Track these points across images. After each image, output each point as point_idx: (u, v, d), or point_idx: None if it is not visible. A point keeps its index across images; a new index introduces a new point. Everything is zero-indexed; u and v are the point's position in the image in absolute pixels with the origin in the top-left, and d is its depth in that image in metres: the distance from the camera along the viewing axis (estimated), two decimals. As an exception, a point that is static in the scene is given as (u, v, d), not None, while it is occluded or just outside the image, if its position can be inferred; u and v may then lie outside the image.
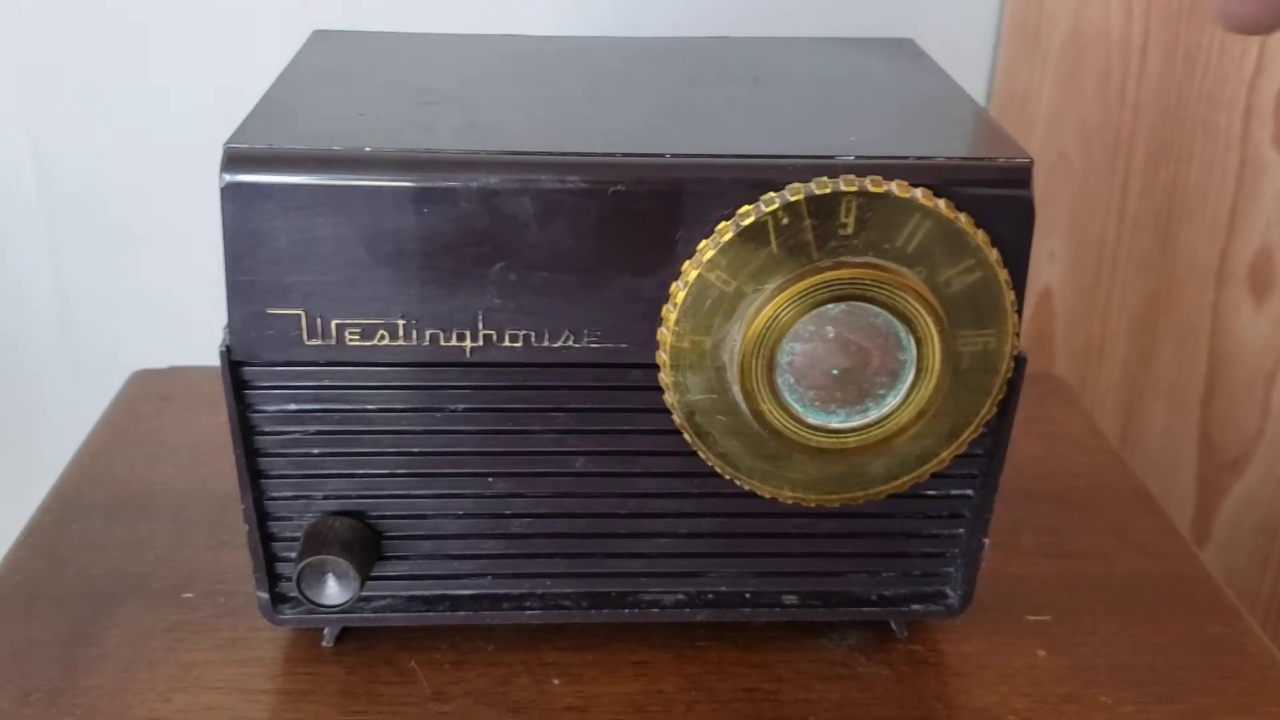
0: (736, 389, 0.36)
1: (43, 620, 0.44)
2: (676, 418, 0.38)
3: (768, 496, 0.39)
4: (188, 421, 0.57)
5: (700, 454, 0.39)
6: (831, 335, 0.36)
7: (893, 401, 0.37)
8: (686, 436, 0.38)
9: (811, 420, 0.37)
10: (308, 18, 0.50)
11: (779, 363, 0.36)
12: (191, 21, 0.67)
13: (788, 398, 0.36)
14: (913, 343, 0.36)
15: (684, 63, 0.46)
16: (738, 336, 0.36)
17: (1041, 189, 0.71)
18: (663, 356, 0.37)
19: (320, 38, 0.48)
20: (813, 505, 0.40)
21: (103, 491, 0.52)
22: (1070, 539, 0.51)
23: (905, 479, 0.40)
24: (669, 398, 0.38)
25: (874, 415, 0.37)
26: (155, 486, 0.53)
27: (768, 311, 0.35)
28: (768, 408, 0.36)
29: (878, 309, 0.36)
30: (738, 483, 0.39)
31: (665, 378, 0.37)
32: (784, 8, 0.68)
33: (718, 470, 0.39)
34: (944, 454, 0.39)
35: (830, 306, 0.35)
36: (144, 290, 0.74)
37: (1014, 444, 0.58)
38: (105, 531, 0.50)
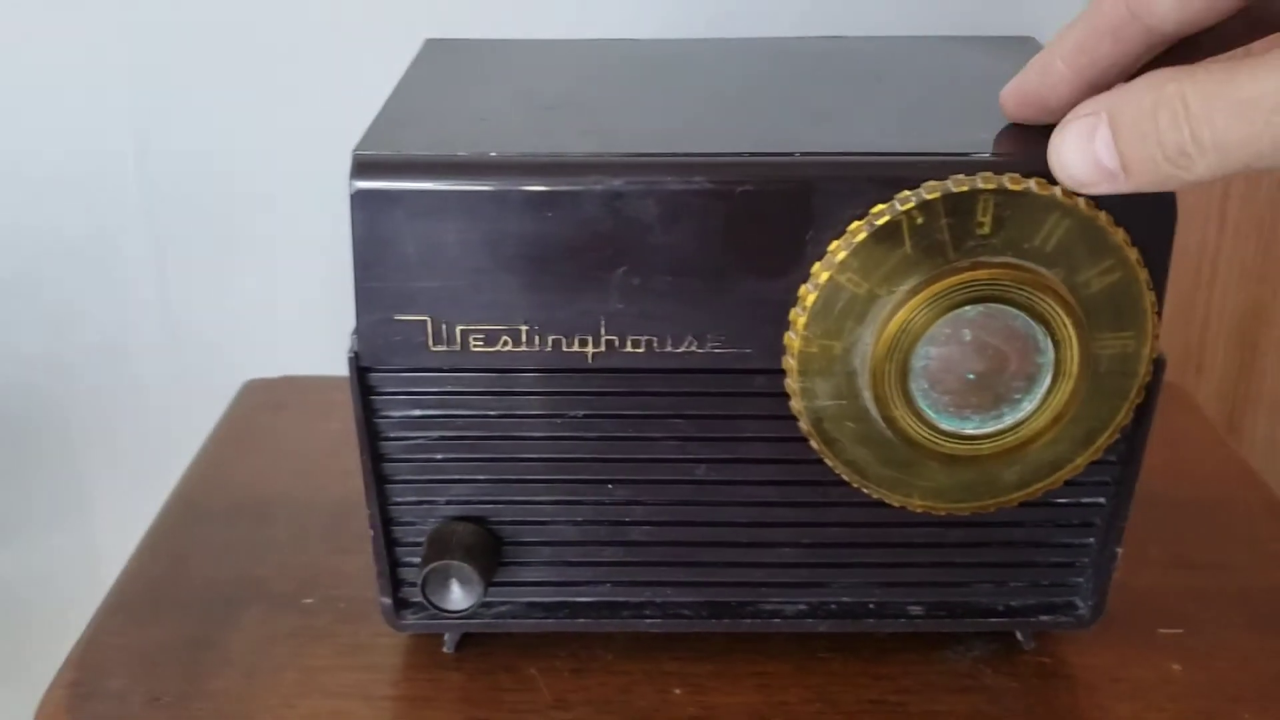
0: (868, 395, 0.36)
1: (169, 624, 0.45)
2: (803, 424, 0.37)
3: (896, 505, 0.39)
4: (301, 429, 0.57)
5: (827, 461, 0.38)
6: (968, 338, 0.35)
7: (1029, 406, 0.36)
8: (813, 444, 0.38)
9: (945, 426, 0.36)
10: (416, 30, 0.50)
11: (913, 367, 0.35)
12: (299, 35, 0.68)
13: (921, 403, 0.36)
14: (1051, 345, 0.35)
15: (801, 62, 0.45)
16: (870, 341, 0.35)
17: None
18: (790, 361, 0.36)
19: (434, 46, 0.48)
20: (942, 514, 0.39)
21: (221, 498, 0.53)
22: (1200, 550, 0.49)
23: (1037, 486, 0.38)
24: (795, 404, 0.37)
25: (1009, 420, 0.36)
26: (272, 493, 0.53)
27: (902, 315, 0.35)
28: (900, 414, 0.36)
29: (1016, 311, 0.35)
30: (865, 491, 0.38)
31: (792, 383, 0.37)
32: (893, 7, 0.67)
33: (844, 478, 0.38)
34: (1079, 460, 0.38)
35: (967, 309, 0.35)
36: (249, 300, 0.75)
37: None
38: (225, 537, 0.50)
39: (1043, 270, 0.35)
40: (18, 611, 0.82)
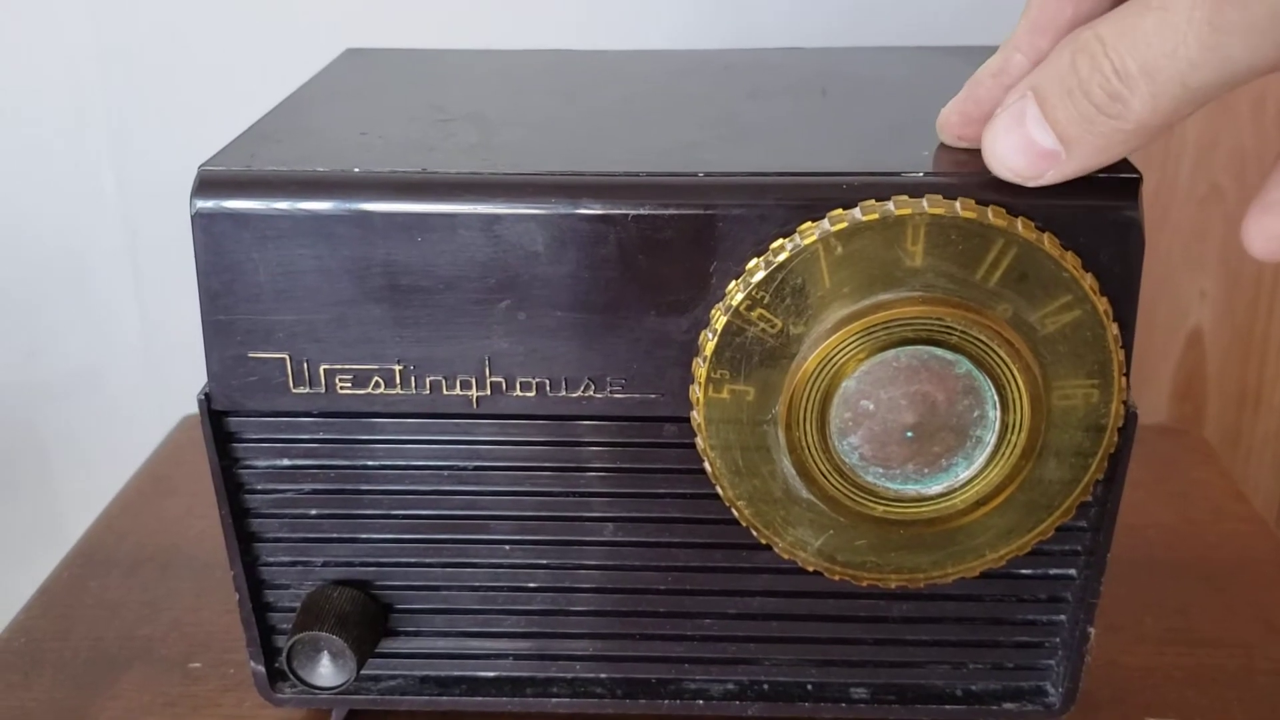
0: (783, 447, 0.31)
1: (40, 689, 0.41)
2: (716, 483, 0.32)
3: (835, 578, 0.33)
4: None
5: (745, 525, 0.33)
6: (897, 386, 0.30)
7: (973, 467, 0.31)
8: (729, 505, 0.33)
9: (874, 486, 0.31)
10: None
11: (835, 418, 0.30)
12: (278, 61, 0.64)
13: (844, 459, 0.31)
14: (995, 395, 0.30)
15: (748, 75, 0.41)
16: (784, 387, 0.30)
17: (1191, 223, 0.64)
18: (696, 412, 0.32)
19: (351, 56, 0.44)
20: (863, 585, 0.34)
21: (127, 546, 0.49)
22: (1204, 624, 0.44)
23: (987, 558, 0.33)
24: (706, 459, 0.32)
25: (951, 482, 0.31)
26: (182, 542, 0.49)
27: (819, 356, 0.30)
28: (819, 470, 0.31)
29: (952, 354, 0.30)
30: (794, 559, 0.33)
31: (701, 437, 0.32)
32: (902, 18, 0.62)
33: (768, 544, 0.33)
34: (1041, 527, 0.33)
35: (895, 352, 0.30)
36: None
37: (1141, 509, 0.52)
38: (122, 591, 0.46)
39: (983, 307, 0.30)
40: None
